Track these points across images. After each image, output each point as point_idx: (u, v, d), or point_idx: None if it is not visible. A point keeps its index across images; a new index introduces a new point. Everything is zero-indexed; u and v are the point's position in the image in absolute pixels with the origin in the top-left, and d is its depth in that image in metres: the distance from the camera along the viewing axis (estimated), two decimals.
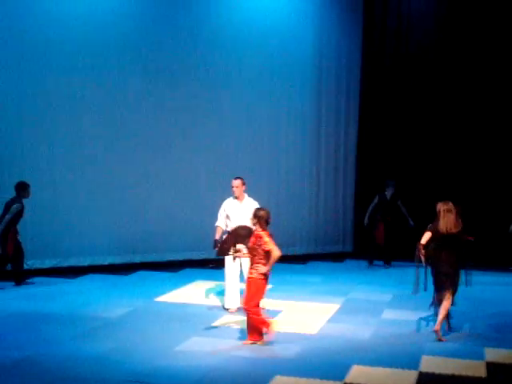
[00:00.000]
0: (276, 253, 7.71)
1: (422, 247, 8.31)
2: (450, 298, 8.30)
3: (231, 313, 9.34)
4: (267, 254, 7.69)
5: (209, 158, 13.12)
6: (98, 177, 12.14)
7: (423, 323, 8.93)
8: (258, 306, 7.83)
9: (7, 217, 10.49)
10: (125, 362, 7.02)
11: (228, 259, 9.39)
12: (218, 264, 12.79)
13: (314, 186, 14.40)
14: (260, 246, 7.68)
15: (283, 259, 13.16)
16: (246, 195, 9.67)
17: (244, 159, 13.33)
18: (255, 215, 7.77)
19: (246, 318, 7.84)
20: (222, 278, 11.65)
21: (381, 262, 13.42)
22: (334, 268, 13.35)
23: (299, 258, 13.93)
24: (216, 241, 9.48)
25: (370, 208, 13.47)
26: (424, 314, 9.28)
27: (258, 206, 9.24)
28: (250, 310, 7.69)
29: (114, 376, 6.56)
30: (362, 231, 14.53)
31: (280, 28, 13.75)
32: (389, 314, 9.43)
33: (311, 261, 13.88)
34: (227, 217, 9.54)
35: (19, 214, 10.60)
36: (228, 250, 8.31)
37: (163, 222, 12.73)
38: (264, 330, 7.75)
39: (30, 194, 10.75)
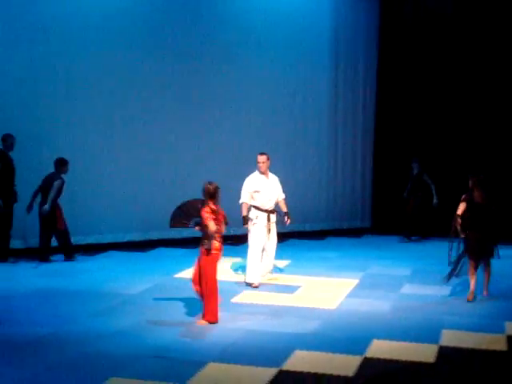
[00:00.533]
0: (211, 228, 7.40)
1: (459, 217, 8.70)
2: (490, 263, 8.81)
3: (254, 287, 9.34)
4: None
5: (227, 136, 13.12)
6: (116, 155, 12.16)
7: (442, 297, 8.90)
8: (215, 280, 7.61)
9: (51, 195, 10.71)
10: (146, 337, 7.05)
11: (252, 234, 9.35)
12: (236, 240, 12.91)
13: (331, 161, 14.37)
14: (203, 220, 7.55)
15: (301, 235, 13.49)
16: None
17: (262, 136, 13.30)
18: (202, 189, 7.64)
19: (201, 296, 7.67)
20: (239, 253, 11.74)
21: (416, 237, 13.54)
22: (352, 243, 13.33)
23: (317, 233, 13.93)
24: (245, 217, 9.44)
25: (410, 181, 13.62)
26: (444, 288, 9.27)
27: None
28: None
29: (135, 351, 6.59)
30: (381, 207, 14.52)
31: (297, 8, 13.69)
32: (408, 289, 9.41)
33: (329, 236, 13.86)
34: (255, 192, 9.51)
35: (60, 190, 10.83)
36: (183, 222, 7.97)
37: (181, 199, 12.70)
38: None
39: (68, 170, 10.94)
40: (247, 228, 9.58)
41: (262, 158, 9.65)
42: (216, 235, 7.49)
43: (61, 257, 11.11)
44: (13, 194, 10.72)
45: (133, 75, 12.26)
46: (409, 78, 14.39)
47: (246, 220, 9.47)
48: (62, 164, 10.90)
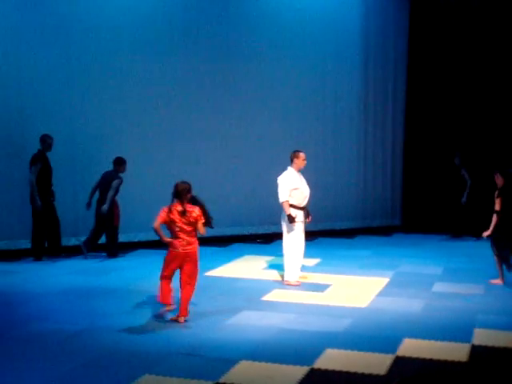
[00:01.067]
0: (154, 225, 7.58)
1: (498, 213, 9.05)
2: None
3: (295, 285, 9.34)
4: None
5: (257, 135, 13.22)
6: (141, 153, 12.26)
7: (474, 296, 8.85)
8: (162, 278, 7.68)
9: (110, 193, 11.04)
10: (176, 334, 7.12)
11: (290, 232, 9.36)
12: (266, 239, 12.96)
13: (361, 159, 14.34)
14: None
15: (331, 234, 13.46)
16: None
17: (292, 135, 13.35)
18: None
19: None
20: (269, 252, 11.78)
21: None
22: (382, 242, 13.29)
23: (347, 232, 13.90)
24: (290, 215, 9.31)
25: (469, 184, 13.35)
26: (475, 287, 9.22)
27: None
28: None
29: (168, 349, 6.66)
30: (411, 205, 14.46)
31: (326, 4, 13.75)
32: (439, 287, 9.36)
33: (359, 235, 13.83)
34: (294, 190, 9.44)
35: (118, 188, 11.18)
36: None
37: (211, 198, 12.79)
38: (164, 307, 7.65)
39: (125, 170, 11.28)
40: (284, 226, 9.47)
41: (305, 155, 9.56)
42: (176, 234, 7.61)
43: (90, 254, 11.23)
44: (51, 193, 10.96)
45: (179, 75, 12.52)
46: (439, 73, 14.29)
47: (293, 218, 9.32)
48: (120, 163, 11.27)
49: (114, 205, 11.13)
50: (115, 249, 11.31)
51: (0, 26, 11.13)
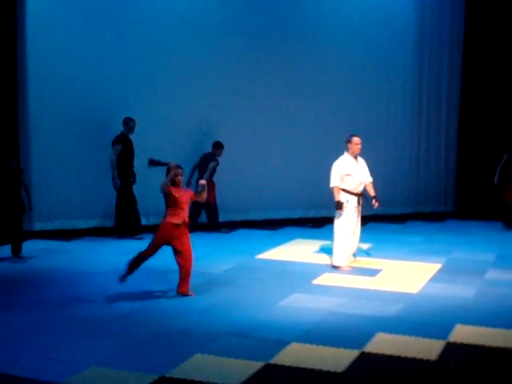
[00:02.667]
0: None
1: None
2: None
3: (345, 270, 9.34)
4: None
5: (310, 118, 13.18)
6: (196, 138, 12.36)
7: None
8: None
9: (207, 174, 11.66)
10: (228, 315, 7.21)
11: (342, 218, 9.35)
12: (317, 223, 12.97)
13: (415, 144, 14.21)
14: None
15: (383, 219, 13.37)
16: None
17: (344, 120, 13.31)
18: None
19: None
20: (320, 236, 11.79)
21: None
22: (435, 228, 13.16)
23: (398, 217, 13.79)
24: (339, 202, 9.30)
25: (499, 167, 12.84)
26: None
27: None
28: None
29: (218, 329, 6.75)
30: (465, 191, 14.27)
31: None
32: (492, 274, 9.25)
33: (410, 220, 13.72)
34: (347, 175, 9.40)
35: (214, 170, 11.78)
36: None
37: (261, 182, 12.88)
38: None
39: (222, 154, 11.88)
40: (338, 211, 9.42)
41: (359, 140, 9.49)
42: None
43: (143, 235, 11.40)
44: (132, 174, 11.34)
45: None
46: (495, 54, 13.99)
47: (340, 205, 9.30)
48: (217, 147, 11.92)
49: (210, 185, 11.23)
50: (218, 225, 12.00)
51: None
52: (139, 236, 11.15)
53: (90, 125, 11.60)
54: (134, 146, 11.34)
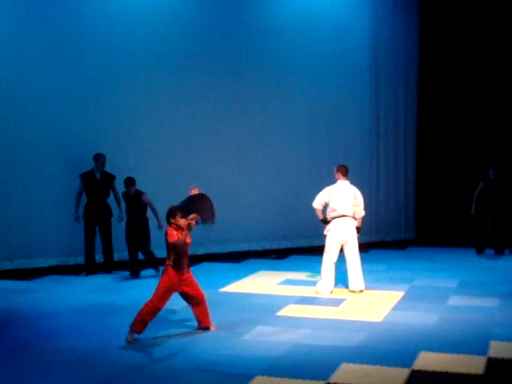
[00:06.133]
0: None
1: None
2: None
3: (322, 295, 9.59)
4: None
5: (266, 149, 13.26)
6: (159, 168, 12.34)
7: (490, 309, 8.81)
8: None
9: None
10: (191, 351, 7.13)
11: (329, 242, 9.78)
12: (279, 254, 12.98)
13: (373, 173, 14.33)
14: None
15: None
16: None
17: (305, 150, 13.46)
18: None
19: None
20: (284, 267, 11.79)
21: (491, 251, 12.98)
22: (396, 256, 13.24)
23: (361, 246, 13.80)
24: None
25: (475, 196, 12.87)
26: (491, 300, 9.19)
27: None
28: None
29: (183, 365, 6.68)
30: (425, 218, 14.42)
31: (336, 14, 13.76)
32: (455, 301, 9.32)
33: (373, 249, 13.80)
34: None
35: None
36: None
37: (224, 214, 12.81)
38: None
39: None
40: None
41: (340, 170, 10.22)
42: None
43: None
44: (92, 210, 11.27)
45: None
46: (451, 80, 14.25)
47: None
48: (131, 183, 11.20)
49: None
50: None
51: (12, 41, 11.28)
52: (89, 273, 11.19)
53: (50, 159, 11.48)
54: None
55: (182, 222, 7.52)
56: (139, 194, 10.94)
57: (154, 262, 11.06)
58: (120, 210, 11.29)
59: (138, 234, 10.93)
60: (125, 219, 11.11)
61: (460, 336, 7.61)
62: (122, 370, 6.56)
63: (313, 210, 10.05)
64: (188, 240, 7.59)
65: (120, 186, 11.21)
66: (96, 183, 11.26)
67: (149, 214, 11.03)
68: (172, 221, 7.56)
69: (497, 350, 7.09)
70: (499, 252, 12.92)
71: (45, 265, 11.44)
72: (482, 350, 7.05)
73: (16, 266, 11.30)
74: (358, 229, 10.02)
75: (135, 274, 11.10)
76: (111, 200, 11.36)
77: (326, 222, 9.94)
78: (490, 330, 7.80)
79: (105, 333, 7.85)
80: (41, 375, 6.44)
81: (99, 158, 11.26)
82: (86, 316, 8.68)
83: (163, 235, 7.69)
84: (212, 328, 7.85)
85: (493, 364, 6.66)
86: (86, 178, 11.21)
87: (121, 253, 11.50)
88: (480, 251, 12.98)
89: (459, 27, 14.22)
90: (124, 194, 11.10)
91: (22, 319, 8.55)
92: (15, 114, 11.27)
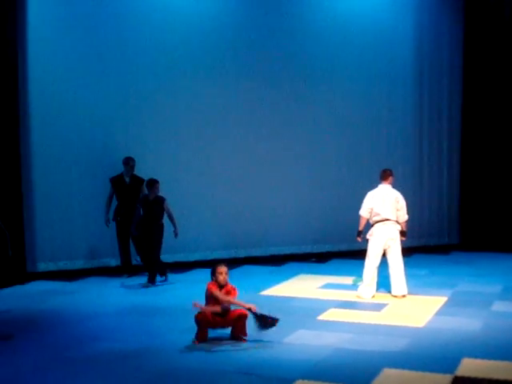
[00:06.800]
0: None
1: None
2: None
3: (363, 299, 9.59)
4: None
5: (310, 153, 13.24)
6: (200, 173, 12.39)
7: None
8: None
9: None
10: (233, 354, 7.14)
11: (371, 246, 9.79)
12: (320, 258, 12.93)
13: (417, 176, 14.18)
14: None
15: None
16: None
17: (345, 152, 13.39)
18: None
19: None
20: (324, 271, 11.74)
21: None
22: (440, 260, 13.09)
23: (403, 250, 13.67)
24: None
25: None
26: None
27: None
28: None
29: (224, 367, 6.68)
30: (469, 222, 14.22)
31: (378, 17, 13.65)
32: (499, 306, 9.17)
33: (416, 253, 13.65)
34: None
35: None
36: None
37: (265, 217, 12.88)
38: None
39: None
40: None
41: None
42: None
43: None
44: (121, 213, 11.35)
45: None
46: (495, 84, 14.01)
47: (358, 232, 10.10)
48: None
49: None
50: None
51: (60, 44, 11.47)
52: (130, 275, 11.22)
53: (92, 164, 11.62)
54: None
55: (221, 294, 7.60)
56: (160, 200, 10.70)
57: (163, 269, 10.97)
58: None
59: (154, 239, 10.64)
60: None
61: (504, 342, 7.48)
62: (161, 372, 6.58)
63: (355, 214, 10.01)
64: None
65: None
66: (125, 187, 11.29)
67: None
68: (213, 278, 7.68)
69: None
70: None
71: (87, 266, 11.59)
72: None
73: (59, 268, 11.45)
74: (403, 233, 9.95)
75: (153, 282, 10.75)
76: None
77: (360, 234, 9.98)
78: None
79: (145, 334, 7.90)
80: (82, 378, 6.49)
81: (129, 162, 11.28)
82: (126, 317, 8.75)
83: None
84: (243, 340, 7.65)
85: None
86: (116, 182, 11.26)
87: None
88: None
89: (504, 32, 13.99)
90: (142, 198, 10.82)
91: (64, 320, 8.66)
92: (51, 115, 11.43)
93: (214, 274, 7.71)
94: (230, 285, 7.77)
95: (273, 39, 12.86)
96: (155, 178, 11.05)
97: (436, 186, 14.39)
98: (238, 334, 7.64)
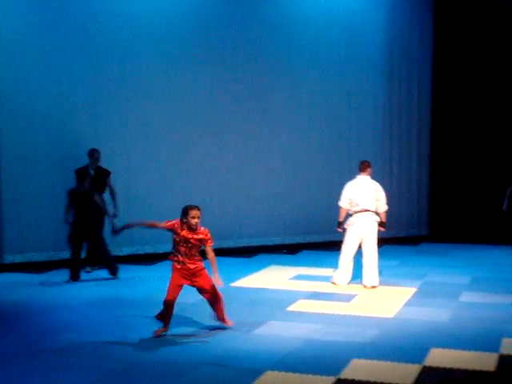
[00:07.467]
0: None
1: None
2: None
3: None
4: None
5: (278, 145, 13.20)
6: (172, 165, 12.33)
7: (502, 305, 8.74)
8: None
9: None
10: (202, 345, 7.13)
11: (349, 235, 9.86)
12: (291, 249, 12.96)
13: (387, 170, 14.25)
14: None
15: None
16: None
17: (315, 143, 13.41)
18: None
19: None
20: (295, 262, 11.76)
21: None
22: (409, 252, 13.19)
23: None
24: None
25: (508, 192, 12.69)
26: (503, 296, 9.13)
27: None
28: None
29: (194, 359, 6.66)
30: (438, 214, 14.34)
31: (350, 10, 13.70)
32: (467, 297, 9.27)
33: (386, 245, 13.70)
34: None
35: None
36: None
37: (236, 209, 12.86)
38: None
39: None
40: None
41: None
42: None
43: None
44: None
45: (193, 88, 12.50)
46: (464, 78, 14.20)
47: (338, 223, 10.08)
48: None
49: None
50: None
51: (25, 40, 11.28)
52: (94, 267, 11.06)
53: (59, 156, 11.47)
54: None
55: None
56: (89, 193, 10.42)
57: (98, 261, 10.91)
58: (115, 205, 11.06)
59: (89, 232, 10.45)
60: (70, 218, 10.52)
61: (472, 333, 7.56)
62: (129, 364, 6.55)
63: (326, 206, 10.04)
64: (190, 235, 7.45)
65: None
66: (90, 179, 11.02)
67: None
68: (184, 220, 7.46)
69: (508, 346, 7.01)
70: None
71: (55, 258, 11.47)
72: (493, 346, 6.99)
73: (27, 260, 11.32)
74: (383, 223, 10.02)
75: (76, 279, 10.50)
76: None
77: (340, 224, 9.99)
78: (502, 327, 7.73)
79: (113, 326, 7.85)
80: (51, 368, 6.44)
81: (93, 154, 11.04)
82: (94, 309, 8.69)
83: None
84: (228, 323, 7.71)
85: (504, 361, 6.60)
86: (80, 173, 10.86)
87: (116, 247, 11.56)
88: None
89: (474, 28, 14.12)
90: (71, 191, 10.52)
91: (32, 312, 8.57)
92: (17, 107, 11.27)
93: (185, 215, 7.40)
94: (203, 228, 7.53)
95: (243, 33, 12.82)
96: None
97: (406, 178, 14.47)
98: (222, 318, 7.65)
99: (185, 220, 7.43)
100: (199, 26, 12.51)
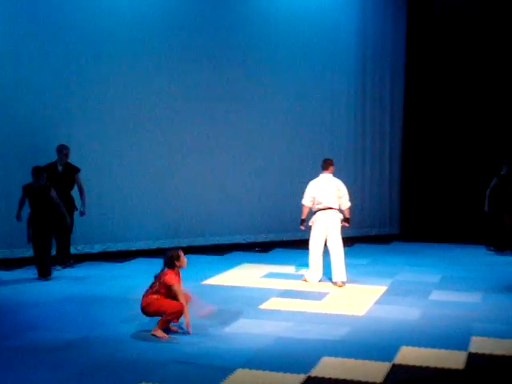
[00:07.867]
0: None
1: None
2: None
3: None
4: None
5: (250, 142, 13.18)
6: (143, 161, 12.26)
7: (472, 304, 8.83)
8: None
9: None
10: (173, 343, 7.12)
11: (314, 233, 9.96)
12: (263, 247, 12.97)
13: (358, 168, 14.30)
14: None
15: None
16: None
17: (288, 141, 13.44)
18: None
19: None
20: (267, 260, 11.78)
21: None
22: (380, 250, 13.24)
23: (345, 240, 13.80)
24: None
25: (488, 193, 12.70)
26: (473, 295, 9.22)
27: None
28: None
29: (164, 357, 6.65)
30: (409, 213, 14.44)
31: (324, 10, 13.69)
32: (437, 295, 9.34)
33: (357, 243, 13.80)
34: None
35: None
36: None
37: (208, 206, 12.84)
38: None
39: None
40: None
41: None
42: None
43: (88, 263, 11.25)
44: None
45: (161, 79, 12.41)
46: (438, 77, 14.26)
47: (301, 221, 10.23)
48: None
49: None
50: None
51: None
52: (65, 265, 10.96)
53: (32, 152, 11.27)
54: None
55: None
56: (45, 188, 10.15)
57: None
58: (82, 203, 10.95)
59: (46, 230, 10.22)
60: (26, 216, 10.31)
61: (441, 331, 7.63)
62: (100, 362, 6.52)
63: (298, 204, 10.10)
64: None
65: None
66: (58, 175, 10.87)
67: None
68: (177, 264, 7.57)
69: (477, 345, 7.11)
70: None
71: (26, 255, 11.35)
72: (462, 345, 7.06)
73: None
74: (347, 219, 10.10)
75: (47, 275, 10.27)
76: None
77: (303, 222, 10.13)
78: (471, 326, 7.82)
79: (85, 324, 7.80)
80: (21, 367, 6.39)
81: (62, 150, 10.91)
82: (66, 307, 8.62)
83: None
84: (173, 328, 7.54)
85: (473, 359, 6.68)
86: (48, 170, 10.64)
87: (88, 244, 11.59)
88: (502, 249, 12.67)
89: (446, 25, 14.22)
90: (26, 186, 10.26)
91: (3, 310, 8.50)
92: None
93: (177, 259, 7.53)
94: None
95: (216, 34, 12.76)
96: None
97: (377, 176, 14.54)
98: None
99: (177, 264, 7.58)
100: (161, 28, 12.45)
